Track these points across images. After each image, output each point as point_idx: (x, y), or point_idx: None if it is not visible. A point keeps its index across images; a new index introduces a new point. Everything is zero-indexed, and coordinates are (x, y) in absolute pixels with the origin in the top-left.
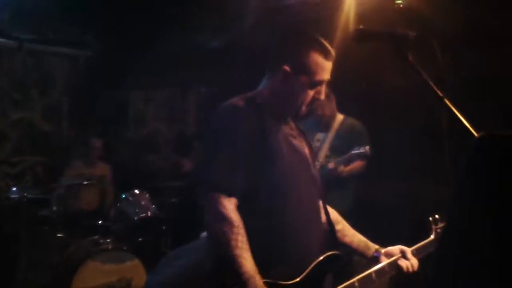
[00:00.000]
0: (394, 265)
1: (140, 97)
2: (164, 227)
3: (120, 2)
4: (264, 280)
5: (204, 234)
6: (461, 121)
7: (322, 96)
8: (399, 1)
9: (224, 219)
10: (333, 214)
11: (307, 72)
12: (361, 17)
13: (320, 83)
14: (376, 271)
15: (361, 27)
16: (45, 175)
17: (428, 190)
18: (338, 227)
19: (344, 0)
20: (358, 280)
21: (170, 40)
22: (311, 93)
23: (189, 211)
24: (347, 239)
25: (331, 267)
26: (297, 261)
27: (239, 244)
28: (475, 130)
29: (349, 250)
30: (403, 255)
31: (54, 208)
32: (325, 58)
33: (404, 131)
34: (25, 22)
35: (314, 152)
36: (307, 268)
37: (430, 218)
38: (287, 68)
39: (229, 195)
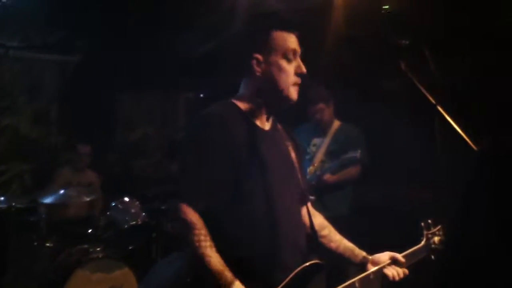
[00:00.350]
0: (380, 273)
1: (128, 102)
2: (154, 235)
3: (108, 7)
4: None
5: None
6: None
7: (303, 69)
8: (386, 6)
9: (185, 224)
10: (319, 219)
11: (277, 49)
12: (349, 23)
13: (292, 53)
14: (360, 280)
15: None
16: (33, 183)
17: (422, 193)
18: (324, 232)
19: (333, 5)
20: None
21: (159, 45)
22: (290, 69)
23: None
24: (333, 245)
25: (312, 277)
26: (277, 268)
27: (202, 244)
28: (467, 135)
29: (335, 256)
30: (393, 261)
31: (43, 216)
32: (288, 31)
33: (401, 133)
34: (12, 29)
35: (301, 156)
36: (287, 276)
37: (422, 223)
38: (258, 56)
39: (191, 204)
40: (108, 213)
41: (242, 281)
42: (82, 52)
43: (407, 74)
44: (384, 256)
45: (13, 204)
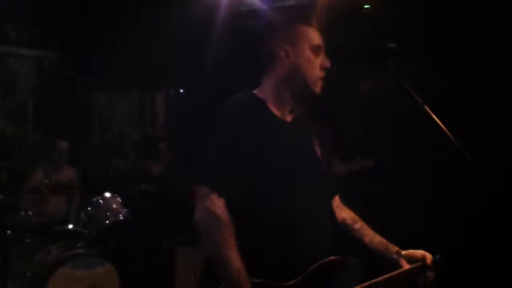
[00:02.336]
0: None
1: (106, 99)
2: (136, 231)
3: (85, 4)
4: (256, 280)
5: None
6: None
7: (328, 64)
8: (367, 6)
9: (214, 217)
10: (350, 213)
11: (304, 42)
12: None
13: (319, 47)
14: (393, 277)
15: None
16: (10, 180)
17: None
18: (356, 226)
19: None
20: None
21: (137, 42)
22: (316, 61)
23: (161, 215)
24: (366, 239)
25: (332, 272)
26: (298, 262)
27: (228, 243)
28: (453, 136)
29: (368, 250)
30: (424, 261)
31: (21, 213)
32: (310, 26)
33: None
34: None
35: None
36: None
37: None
38: (287, 47)
39: (220, 195)
40: (89, 208)
41: (261, 275)
42: (58, 48)
43: (394, 75)
44: (418, 253)
45: None
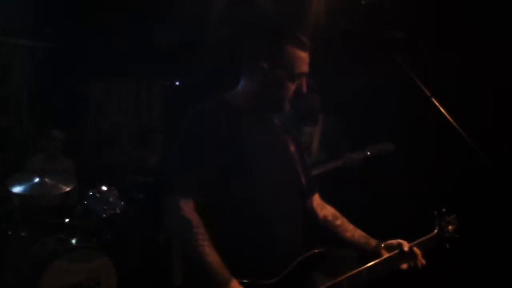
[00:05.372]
0: (393, 264)
1: (101, 89)
2: (132, 224)
3: None
4: (242, 280)
5: None
6: (448, 119)
7: (304, 89)
8: None
9: (183, 221)
10: (330, 210)
11: (285, 66)
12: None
13: (299, 75)
14: (368, 268)
15: (347, 28)
16: (5, 171)
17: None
18: (338, 222)
19: None
20: (347, 278)
21: (134, 32)
22: (292, 87)
23: (158, 207)
24: (348, 234)
25: (315, 265)
26: (272, 263)
27: (200, 242)
28: (461, 128)
29: (350, 245)
30: (401, 249)
31: (17, 205)
32: (302, 50)
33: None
34: None
35: (302, 150)
36: (286, 267)
37: (436, 212)
38: (264, 65)
39: (187, 198)
40: (85, 202)
41: (237, 277)
42: (53, 37)
43: (402, 67)
44: (394, 243)
45: None
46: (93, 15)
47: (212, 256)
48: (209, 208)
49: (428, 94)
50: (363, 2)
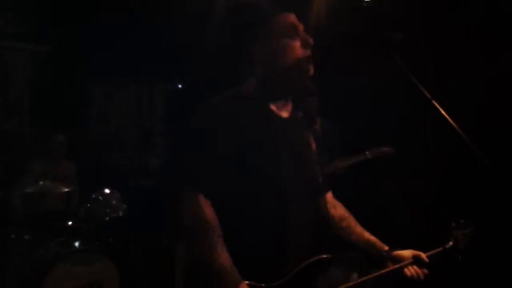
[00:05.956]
0: (398, 271)
1: (103, 93)
2: (135, 227)
3: None
4: (246, 282)
5: None
6: (448, 121)
7: (310, 40)
8: None
9: (200, 219)
10: (340, 210)
11: (275, 31)
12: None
13: (292, 28)
14: (375, 277)
15: (346, 30)
16: (7, 175)
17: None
18: (343, 224)
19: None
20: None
21: (136, 35)
22: (295, 44)
23: (160, 209)
24: (353, 237)
25: (319, 271)
26: (282, 261)
27: (214, 242)
28: (462, 130)
29: (356, 249)
30: (416, 260)
31: (19, 209)
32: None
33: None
34: None
35: (320, 145)
36: (293, 268)
37: (453, 223)
38: (257, 44)
39: (206, 195)
40: (88, 205)
41: (245, 275)
42: (54, 42)
43: (401, 68)
44: (407, 254)
45: None
46: (95, 19)
47: (224, 256)
48: (216, 205)
49: (428, 96)
50: (364, 4)
